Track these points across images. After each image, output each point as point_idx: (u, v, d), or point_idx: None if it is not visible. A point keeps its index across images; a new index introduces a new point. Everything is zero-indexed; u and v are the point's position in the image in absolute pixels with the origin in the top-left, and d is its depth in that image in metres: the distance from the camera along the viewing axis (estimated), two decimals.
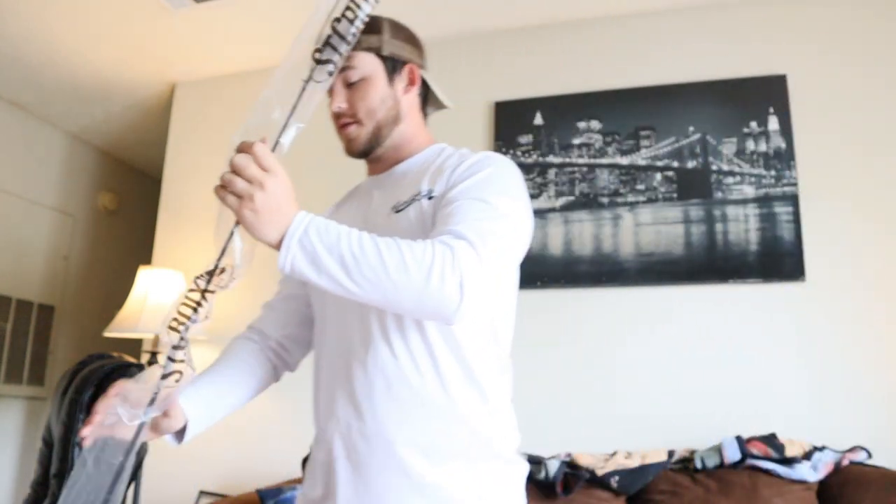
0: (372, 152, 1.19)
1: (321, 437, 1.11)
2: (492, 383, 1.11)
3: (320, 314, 1.18)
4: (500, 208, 1.01)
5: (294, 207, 0.89)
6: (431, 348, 1.05)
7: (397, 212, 1.10)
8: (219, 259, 0.90)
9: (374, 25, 1.17)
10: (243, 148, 0.88)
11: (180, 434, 1.07)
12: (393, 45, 1.18)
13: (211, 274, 0.90)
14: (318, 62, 0.93)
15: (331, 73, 0.93)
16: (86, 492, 0.93)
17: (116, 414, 0.93)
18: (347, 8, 0.92)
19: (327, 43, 0.93)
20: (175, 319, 0.90)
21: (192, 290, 0.91)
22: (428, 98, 1.28)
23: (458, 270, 0.90)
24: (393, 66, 1.18)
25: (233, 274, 0.90)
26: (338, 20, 0.92)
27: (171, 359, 0.92)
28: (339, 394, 1.08)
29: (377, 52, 1.16)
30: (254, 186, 0.86)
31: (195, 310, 0.90)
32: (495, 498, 1.06)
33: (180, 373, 0.92)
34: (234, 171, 0.87)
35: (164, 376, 0.92)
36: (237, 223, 0.89)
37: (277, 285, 1.32)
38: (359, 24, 0.94)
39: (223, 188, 0.87)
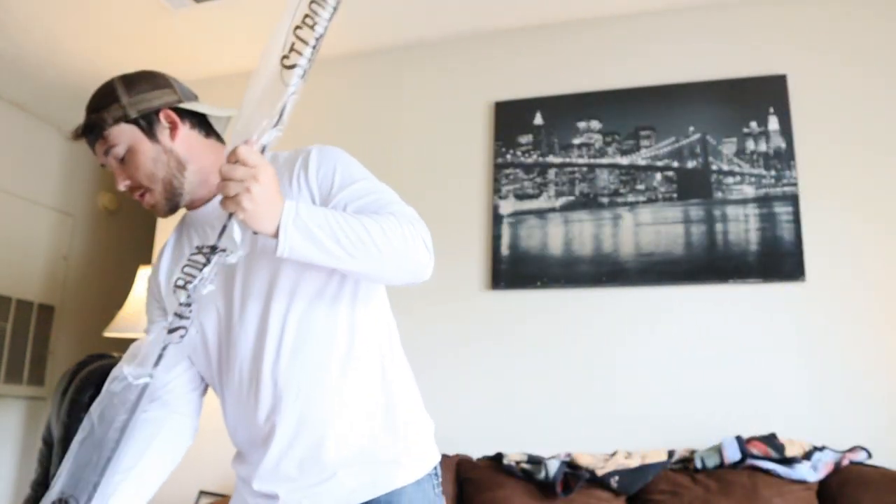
0: (180, 205, 1.20)
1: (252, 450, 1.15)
2: (392, 353, 1.19)
3: (218, 339, 1.18)
4: (377, 181, 1.14)
5: (281, 198, 0.95)
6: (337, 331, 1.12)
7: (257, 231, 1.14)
8: (219, 238, 0.98)
9: (109, 95, 1.16)
10: (228, 158, 0.93)
11: None
12: (134, 102, 1.15)
13: (213, 249, 0.98)
14: (287, 67, 0.96)
15: (301, 77, 0.96)
16: (91, 447, 0.99)
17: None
18: (306, 15, 0.96)
19: (292, 49, 0.96)
20: (181, 278, 0.97)
21: (196, 255, 0.98)
22: (207, 119, 1.24)
23: (419, 234, 1.04)
24: (147, 122, 1.16)
25: (234, 252, 0.98)
26: (299, 27, 0.96)
27: (178, 315, 0.99)
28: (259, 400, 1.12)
29: (125, 119, 1.15)
30: (247, 181, 0.91)
31: (201, 270, 0.97)
32: (414, 456, 1.15)
33: (185, 328, 0.99)
34: (225, 178, 0.92)
35: (171, 331, 0.99)
36: (231, 215, 0.95)
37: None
38: (320, 29, 0.97)
39: (226, 198, 0.93)
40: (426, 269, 1.05)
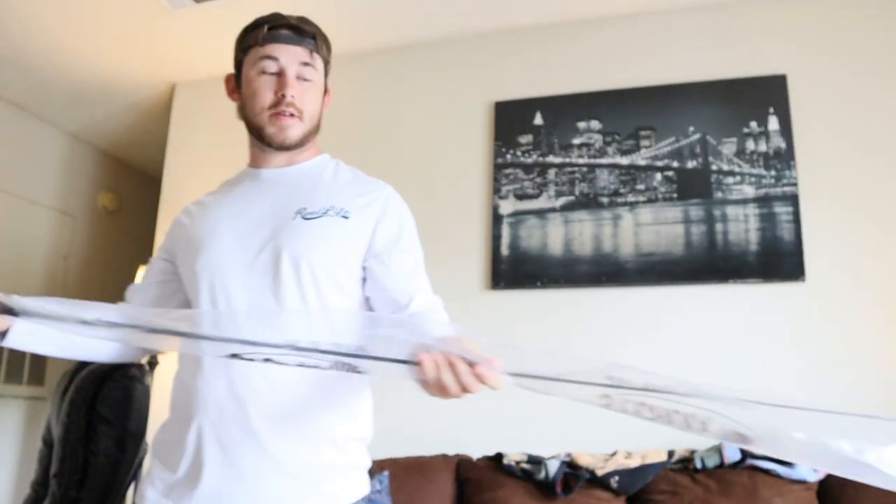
0: (293, 147, 1.22)
1: (187, 418, 1.11)
2: (357, 387, 1.18)
3: (206, 298, 1.15)
4: (420, 254, 1.21)
5: None
6: None
7: (306, 218, 1.14)
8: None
9: (326, 38, 1.23)
10: (482, 371, 0.92)
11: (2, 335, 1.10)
12: (328, 60, 1.26)
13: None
14: (601, 397, 0.93)
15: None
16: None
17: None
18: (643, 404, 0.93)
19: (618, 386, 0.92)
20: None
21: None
22: None
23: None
24: (325, 81, 1.25)
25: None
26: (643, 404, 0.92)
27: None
28: (215, 381, 1.09)
29: (327, 60, 1.24)
30: (470, 392, 0.93)
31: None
32: (350, 481, 1.14)
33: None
34: (463, 383, 0.92)
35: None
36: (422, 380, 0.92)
37: (148, 269, 1.31)
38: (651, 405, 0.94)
39: (445, 364, 0.90)
40: None
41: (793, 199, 2.54)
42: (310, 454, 1.09)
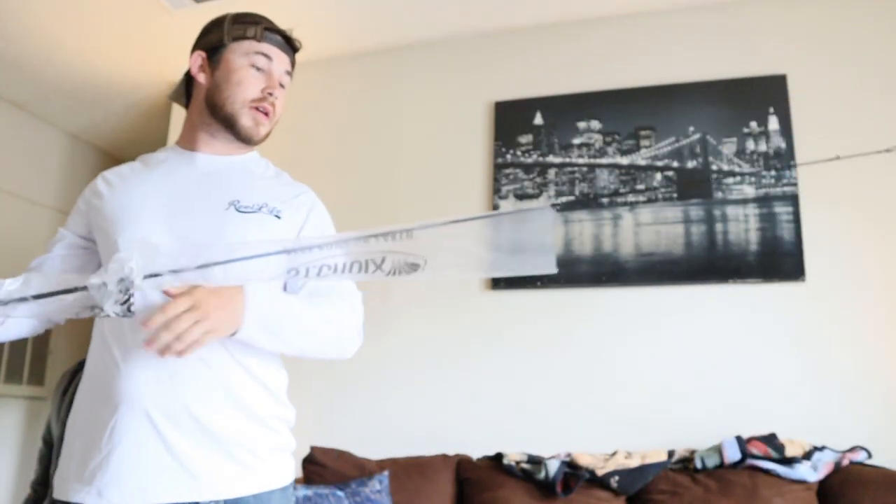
0: (254, 143, 1.26)
1: (109, 400, 1.08)
2: (277, 366, 1.20)
3: None
4: None
5: (234, 301, 1.01)
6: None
7: (240, 211, 1.16)
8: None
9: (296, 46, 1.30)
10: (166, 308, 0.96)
11: None
12: None
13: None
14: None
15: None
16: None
17: None
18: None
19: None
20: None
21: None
22: None
23: (358, 323, 1.19)
24: None
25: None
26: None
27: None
28: (142, 362, 1.08)
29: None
30: (201, 322, 0.96)
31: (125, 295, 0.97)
32: (282, 462, 1.15)
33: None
34: (171, 326, 0.95)
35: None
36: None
37: (56, 240, 1.28)
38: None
39: (168, 334, 0.95)
40: (350, 354, 1.19)
41: (793, 199, 2.54)
42: (245, 431, 1.09)
